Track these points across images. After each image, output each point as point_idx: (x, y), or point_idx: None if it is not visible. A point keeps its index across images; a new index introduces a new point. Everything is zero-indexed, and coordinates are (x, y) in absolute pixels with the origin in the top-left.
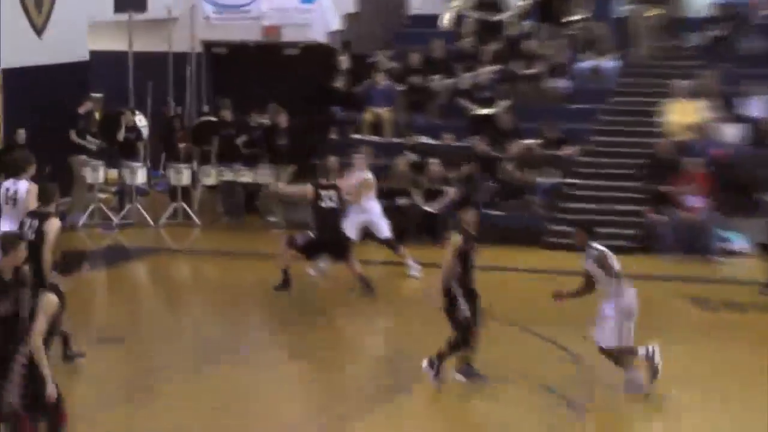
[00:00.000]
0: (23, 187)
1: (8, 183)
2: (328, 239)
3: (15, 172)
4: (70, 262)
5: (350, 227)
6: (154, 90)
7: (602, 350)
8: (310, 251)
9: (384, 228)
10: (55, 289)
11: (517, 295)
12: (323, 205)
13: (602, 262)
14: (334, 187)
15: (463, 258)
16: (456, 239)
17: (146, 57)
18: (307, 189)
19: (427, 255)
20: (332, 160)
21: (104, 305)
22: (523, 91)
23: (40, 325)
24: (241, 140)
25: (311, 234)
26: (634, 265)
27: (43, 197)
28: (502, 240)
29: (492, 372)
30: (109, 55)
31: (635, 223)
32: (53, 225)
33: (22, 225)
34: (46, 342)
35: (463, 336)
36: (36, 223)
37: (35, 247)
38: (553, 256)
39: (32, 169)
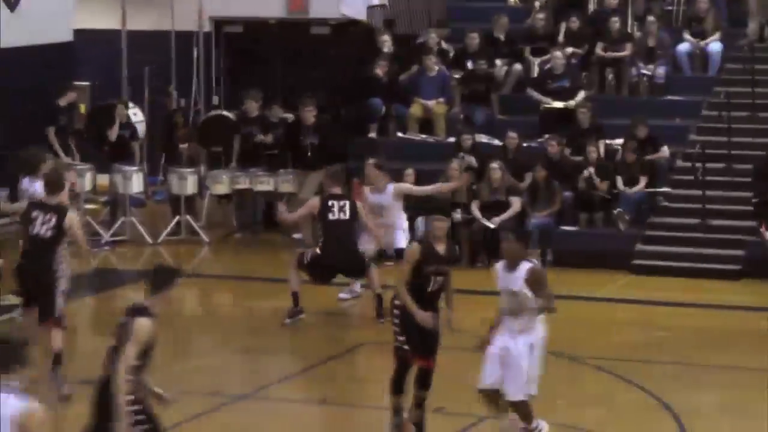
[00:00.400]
0: (39, 187)
1: (25, 183)
2: (337, 256)
3: (30, 171)
4: (161, 278)
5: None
6: (153, 77)
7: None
8: (317, 271)
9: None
10: (146, 311)
11: (600, 329)
12: (331, 217)
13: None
14: (347, 197)
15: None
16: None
17: (143, 37)
18: (312, 204)
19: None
20: (369, 165)
21: (91, 340)
22: (608, 81)
23: (130, 352)
24: (258, 140)
25: (318, 251)
26: (741, 292)
27: (52, 186)
28: (581, 262)
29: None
30: (97, 35)
31: (744, 242)
32: (74, 219)
33: (29, 219)
34: (139, 371)
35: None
36: (52, 218)
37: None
38: (644, 282)
39: (46, 167)
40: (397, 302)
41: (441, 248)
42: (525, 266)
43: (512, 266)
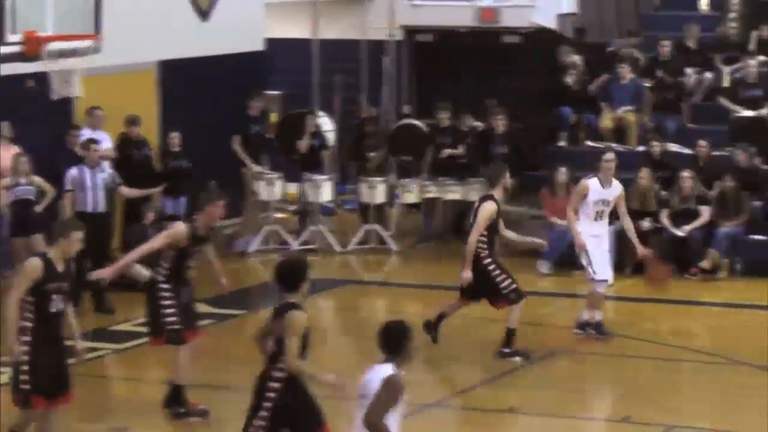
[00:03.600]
0: None
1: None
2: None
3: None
4: (294, 275)
5: None
6: (343, 86)
7: None
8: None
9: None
10: (295, 306)
11: None
12: None
13: None
14: None
15: None
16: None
17: (334, 45)
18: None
19: (677, 290)
20: (561, 173)
21: None
22: None
23: (292, 344)
24: (446, 154)
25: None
26: None
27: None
28: None
29: None
30: (288, 44)
31: None
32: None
33: None
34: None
35: None
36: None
37: None
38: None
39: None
40: None
41: None
42: None
43: None
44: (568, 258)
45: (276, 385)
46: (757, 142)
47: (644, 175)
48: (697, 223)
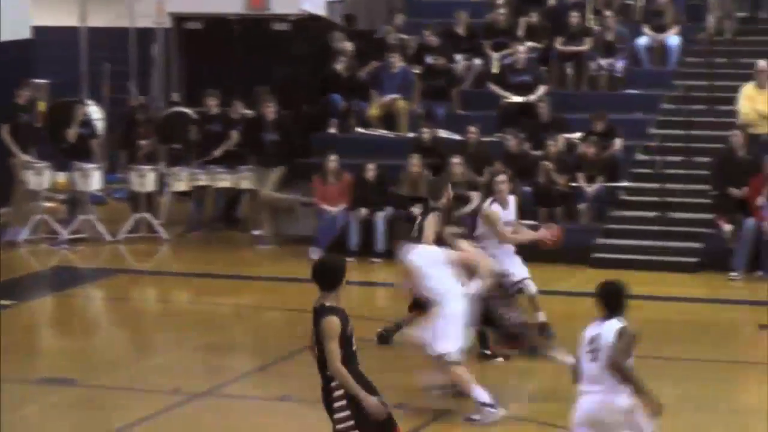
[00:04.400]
0: None
1: None
2: None
3: None
4: (330, 275)
5: None
6: (112, 75)
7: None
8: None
9: None
10: (328, 310)
11: (560, 323)
12: None
13: None
14: None
15: None
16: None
17: (102, 33)
18: None
19: None
20: (332, 160)
21: (50, 339)
22: (564, 75)
23: (333, 348)
24: (218, 137)
25: None
26: (699, 285)
27: None
28: (541, 256)
29: None
30: (56, 32)
31: (703, 235)
32: None
33: None
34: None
35: None
36: None
37: None
38: (603, 275)
39: None
40: None
41: None
42: None
43: None
44: (338, 244)
45: (338, 392)
46: (526, 127)
47: (414, 162)
48: (467, 209)
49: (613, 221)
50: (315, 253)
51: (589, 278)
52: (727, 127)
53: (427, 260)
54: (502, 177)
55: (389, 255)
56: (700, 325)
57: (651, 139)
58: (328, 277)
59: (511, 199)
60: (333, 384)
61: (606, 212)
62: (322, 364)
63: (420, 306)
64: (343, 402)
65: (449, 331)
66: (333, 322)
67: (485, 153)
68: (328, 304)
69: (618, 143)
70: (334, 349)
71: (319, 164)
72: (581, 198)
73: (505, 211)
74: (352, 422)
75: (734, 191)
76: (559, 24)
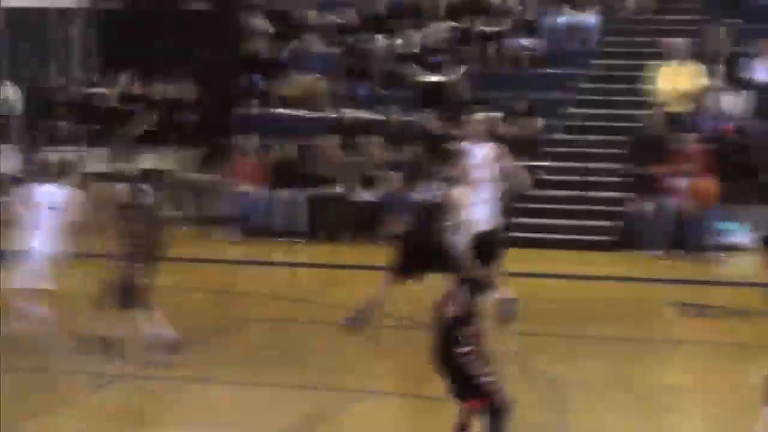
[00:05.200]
0: None
1: None
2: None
3: None
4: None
5: None
6: (30, 55)
7: None
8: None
9: None
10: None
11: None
12: None
13: None
14: None
15: None
16: None
17: (19, 14)
18: None
19: (365, 256)
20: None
21: None
22: (484, 54)
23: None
24: (138, 117)
25: None
26: (618, 264)
27: None
28: None
29: None
30: None
31: (617, 213)
32: None
33: None
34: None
35: None
36: None
37: None
38: (522, 254)
39: None
40: None
41: None
42: None
43: None
44: (259, 225)
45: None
46: (446, 106)
47: (334, 142)
48: (387, 188)
49: (532, 200)
50: (234, 235)
51: (508, 257)
52: (645, 106)
53: None
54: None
55: (312, 235)
56: (617, 304)
57: (571, 118)
58: (483, 252)
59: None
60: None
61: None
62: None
63: None
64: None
65: None
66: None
67: (405, 132)
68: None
69: (539, 123)
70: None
71: (239, 145)
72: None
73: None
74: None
75: (653, 169)
76: (479, 4)
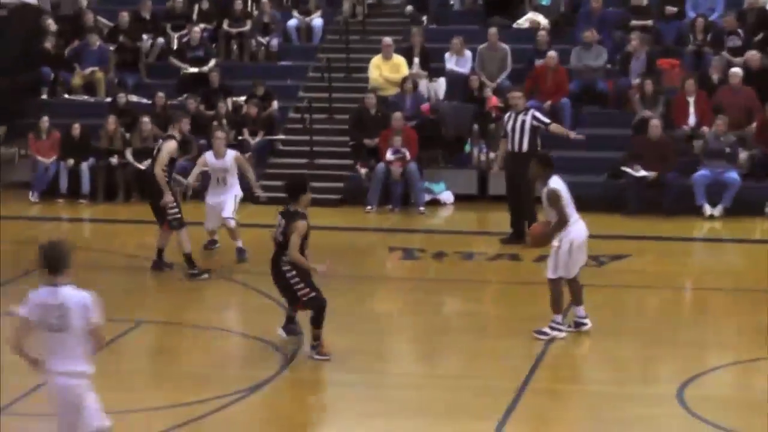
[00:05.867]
0: None
1: None
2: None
3: None
4: (294, 188)
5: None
6: None
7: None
8: None
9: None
10: (298, 215)
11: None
12: None
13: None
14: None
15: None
16: (302, 224)
17: None
18: None
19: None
20: (44, 121)
21: None
22: (233, 50)
23: (295, 240)
24: None
25: None
26: (342, 217)
27: None
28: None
29: None
30: None
31: (343, 177)
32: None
33: None
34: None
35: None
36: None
37: None
38: (265, 211)
39: None
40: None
41: None
42: None
43: None
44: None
45: (287, 267)
46: (201, 92)
47: (111, 121)
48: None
49: (272, 167)
50: (33, 197)
51: (251, 213)
52: (361, 90)
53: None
54: (220, 133)
55: (93, 197)
56: (341, 248)
57: (300, 101)
58: (291, 190)
59: (229, 152)
60: (284, 263)
61: (266, 160)
62: (282, 249)
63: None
64: (296, 278)
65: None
66: (302, 224)
67: (169, 113)
68: (298, 209)
69: (275, 105)
70: (296, 242)
71: (33, 124)
72: (247, 148)
73: (220, 160)
74: (302, 284)
75: (368, 141)
76: (226, 9)
